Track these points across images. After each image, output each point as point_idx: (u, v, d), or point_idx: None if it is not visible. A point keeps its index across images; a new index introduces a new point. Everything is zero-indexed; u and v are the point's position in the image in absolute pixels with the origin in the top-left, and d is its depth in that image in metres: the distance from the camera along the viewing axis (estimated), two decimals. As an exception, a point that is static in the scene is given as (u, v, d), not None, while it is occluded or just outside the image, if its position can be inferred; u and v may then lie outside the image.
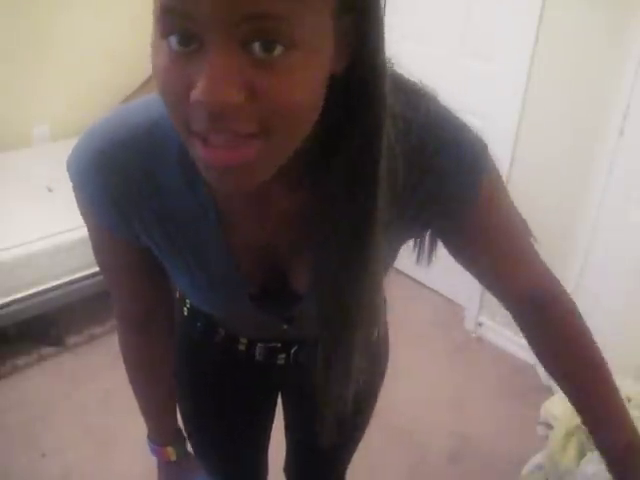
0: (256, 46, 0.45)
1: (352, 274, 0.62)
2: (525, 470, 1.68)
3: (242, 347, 0.95)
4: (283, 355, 0.94)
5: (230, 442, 1.12)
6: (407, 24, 2.68)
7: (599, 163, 2.08)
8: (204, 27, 0.44)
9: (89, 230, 0.74)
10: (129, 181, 0.65)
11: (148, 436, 0.99)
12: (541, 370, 2.41)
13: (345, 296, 0.64)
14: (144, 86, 3.06)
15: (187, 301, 0.96)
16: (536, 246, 0.76)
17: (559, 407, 1.64)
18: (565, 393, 0.80)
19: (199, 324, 0.96)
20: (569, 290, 0.77)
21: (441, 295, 2.87)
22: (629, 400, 1.47)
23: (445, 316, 2.78)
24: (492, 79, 2.38)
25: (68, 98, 2.99)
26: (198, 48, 0.45)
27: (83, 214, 0.71)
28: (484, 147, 0.66)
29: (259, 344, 0.94)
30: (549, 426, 1.67)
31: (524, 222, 0.74)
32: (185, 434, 1.07)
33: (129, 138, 0.64)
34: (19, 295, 2.18)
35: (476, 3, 2.40)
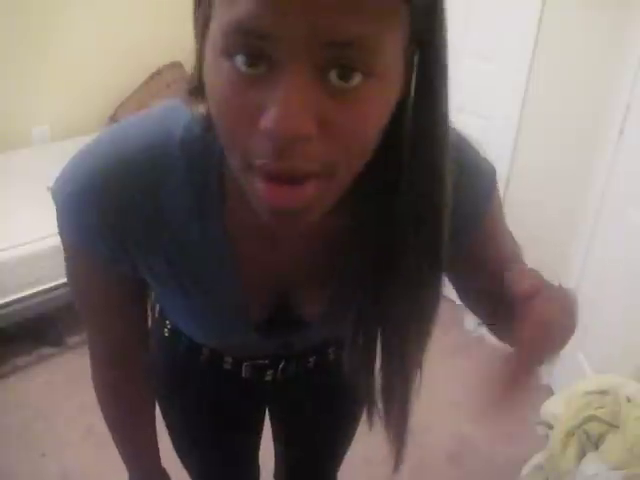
0: (333, 74, 0.41)
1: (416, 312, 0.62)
2: (525, 470, 1.68)
3: (228, 366, 0.92)
4: (271, 371, 0.93)
5: (220, 457, 1.10)
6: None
7: (599, 163, 2.08)
8: (283, 50, 0.40)
9: (69, 257, 0.69)
10: (128, 206, 0.59)
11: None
12: (541, 370, 2.41)
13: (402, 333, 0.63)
14: (144, 86, 3.06)
15: (167, 322, 0.91)
16: (529, 249, 0.76)
17: (559, 407, 1.64)
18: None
19: (181, 346, 0.91)
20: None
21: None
22: (629, 400, 1.47)
23: (445, 316, 2.76)
24: (492, 79, 2.38)
25: (68, 98, 2.99)
26: (268, 71, 0.41)
27: (67, 240, 0.66)
28: (493, 167, 0.66)
29: (245, 363, 0.91)
30: (549, 426, 1.67)
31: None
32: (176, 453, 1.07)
33: (130, 161, 0.58)
34: (19, 295, 2.18)
35: (476, 3, 2.40)
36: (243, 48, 0.41)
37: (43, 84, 2.90)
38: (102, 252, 0.63)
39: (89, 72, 2.99)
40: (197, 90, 0.53)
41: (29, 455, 1.97)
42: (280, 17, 0.39)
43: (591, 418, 1.47)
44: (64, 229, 0.64)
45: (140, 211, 0.59)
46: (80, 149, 0.62)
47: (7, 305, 2.16)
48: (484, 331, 0.83)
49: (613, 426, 1.44)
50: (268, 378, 0.93)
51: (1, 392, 2.19)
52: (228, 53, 0.42)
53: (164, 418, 1.04)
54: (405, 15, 0.43)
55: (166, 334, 0.93)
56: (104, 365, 0.82)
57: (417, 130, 0.50)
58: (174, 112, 0.60)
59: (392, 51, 0.44)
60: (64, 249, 0.68)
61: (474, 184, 0.63)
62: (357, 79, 0.42)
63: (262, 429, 1.13)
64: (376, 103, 0.44)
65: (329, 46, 0.40)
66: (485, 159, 0.65)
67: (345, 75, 0.42)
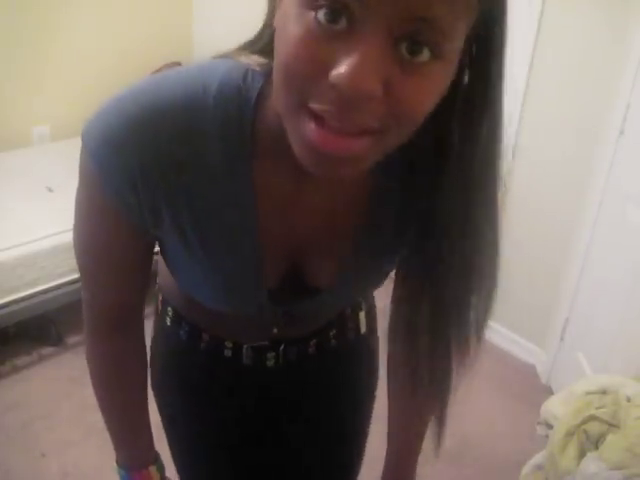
0: (403, 47, 0.45)
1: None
2: (525, 470, 1.68)
3: (228, 353, 0.90)
4: (272, 354, 0.91)
5: (221, 453, 1.04)
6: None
7: (599, 163, 2.08)
8: (366, 12, 0.43)
9: (86, 208, 0.66)
10: (163, 154, 0.59)
11: (119, 463, 0.89)
12: (541, 370, 2.41)
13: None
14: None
15: (169, 309, 0.91)
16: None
17: (559, 407, 1.64)
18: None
19: (182, 332, 0.90)
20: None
21: (441, 295, 2.87)
22: (629, 400, 1.47)
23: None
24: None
25: (68, 98, 2.99)
26: (346, 29, 0.44)
27: (88, 188, 0.64)
28: None
29: (245, 345, 0.89)
30: (549, 426, 1.67)
31: None
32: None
33: (167, 106, 0.58)
34: (19, 295, 2.18)
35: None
36: (330, 3, 0.43)
37: (43, 84, 2.90)
38: (125, 199, 0.62)
39: (89, 72, 3.00)
40: (254, 44, 0.61)
41: (29, 455, 1.97)
42: None
43: (591, 418, 1.47)
44: (85, 172, 0.63)
45: (171, 157, 0.59)
46: (116, 93, 0.61)
47: (7, 305, 2.16)
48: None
49: (613, 426, 1.44)
50: (270, 363, 0.91)
51: (1, 392, 2.19)
52: (312, 6, 0.44)
53: (162, 411, 1.01)
54: (476, 6, 0.47)
55: (168, 323, 0.92)
56: (102, 333, 0.80)
57: (469, 122, 0.56)
58: (211, 68, 0.62)
59: (460, 37, 0.48)
60: (80, 200, 0.66)
61: None
62: (425, 57, 0.45)
63: (267, 437, 1.06)
64: (436, 82, 0.48)
65: (410, 19, 0.43)
66: None
67: (415, 50, 0.45)
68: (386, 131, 0.48)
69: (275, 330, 0.85)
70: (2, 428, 2.05)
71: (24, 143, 2.90)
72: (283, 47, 0.47)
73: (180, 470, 1.06)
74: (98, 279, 0.74)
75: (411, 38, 0.44)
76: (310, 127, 0.47)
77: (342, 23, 0.44)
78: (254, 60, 0.61)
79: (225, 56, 0.63)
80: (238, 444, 1.03)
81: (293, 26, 0.46)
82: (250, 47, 0.63)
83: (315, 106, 0.46)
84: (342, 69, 0.43)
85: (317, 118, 0.47)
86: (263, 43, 0.61)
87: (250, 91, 0.60)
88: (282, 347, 0.91)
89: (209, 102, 0.59)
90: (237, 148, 0.61)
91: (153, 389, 1.00)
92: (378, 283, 0.81)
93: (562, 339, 2.31)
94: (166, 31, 3.21)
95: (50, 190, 2.45)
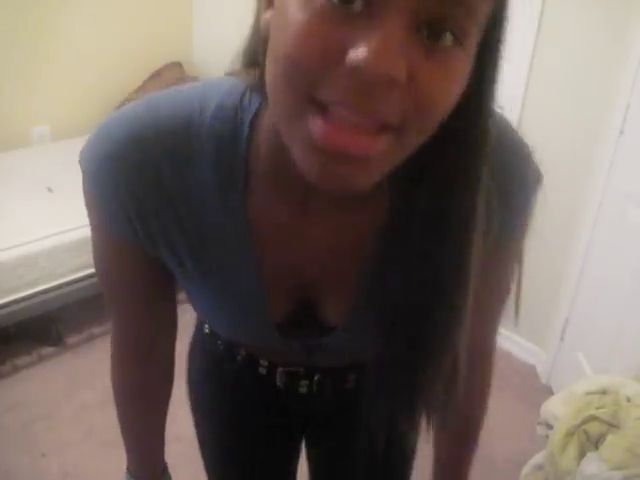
0: (424, 32, 0.41)
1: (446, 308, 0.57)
2: (525, 470, 1.68)
3: (263, 371, 0.87)
4: (306, 382, 0.86)
5: (250, 469, 1.03)
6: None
7: (599, 163, 2.08)
8: None
9: (94, 235, 0.66)
10: (155, 180, 0.57)
11: (130, 470, 0.88)
12: (541, 370, 2.41)
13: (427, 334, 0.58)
14: (145, 86, 3.06)
15: None
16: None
17: (559, 407, 1.64)
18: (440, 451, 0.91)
19: (220, 342, 0.88)
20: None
21: (441, 295, 2.86)
22: (629, 400, 1.47)
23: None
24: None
25: (68, 98, 2.99)
26: (363, 10, 0.40)
27: (91, 214, 0.63)
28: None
29: (280, 368, 0.85)
30: (549, 426, 1.67)
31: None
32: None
33: (160, 131, 0.56)
34: (19, 295, 2.18)
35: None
36: None
37: (43, 84, 2.90)
38: (121, 228, 0.60)
39: (89, 72, 3.00)
40: (249, 55, 0.56)
41: (29, 455, 1.97)
42: None
43: (591, 418, 1.47)
44: (86, 197, 0.61)
45: (165, 184, 0.57)
46: (109, 116, 0.59)
47: (7, 305, 2.16)
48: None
49: (613, 426, 1.44)
50: (302, 390, 0.87)
51: (1, 392, 2.19)
52: None
53: (193, 412, 1.00)
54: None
55: (206, 330, 0.90)
56: (125, 356, 0.79)
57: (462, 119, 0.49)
58: (213, 87, 0.59)
59: (479, 28, 0.44)
60: (90, 225, 0.65)
61: (529, 171, 0.66)
62: (447, 41, 0.42)
63: (298, 455, 1.06)
64: (459, 71, 0.44)
65: (439, 3, 0.40)
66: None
67: (437, 35, 0.41)
68: (406, 128, 0.43)
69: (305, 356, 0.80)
70: (2, 428, 2.05)
71: (24, 143, 2.90)
72: (285, 36, 0.42)
73: (207, 471, 1.06)
74: (112, 301, 0.73)
75: (436, 21, 0.40)
76: (317, 124, 0.42)
77: (358, 3, 0.40)
78: (252, 76, 0.56)
79: (233, 73, 0.60)
80: (265, 459, 1.01)
81: (297, 11, 0.41)
82: (241, 60, 0.59)
83: (325, 96, 0.41)
84: (364, 50, 0.39)
85: (325, 113, 0.42)
86: (248, 58, 0.57)
87: (245, 112, 0.56)
88: (316, 377, 0.86)
89: (205, 124, 0.56)
90: (230, 176, 0.57)
91: (188, 389, 0.99)
92: None
93: (562, 339, 2.31)
94: (166, 31, 3.21)
95: (50, 190, 2.45)
